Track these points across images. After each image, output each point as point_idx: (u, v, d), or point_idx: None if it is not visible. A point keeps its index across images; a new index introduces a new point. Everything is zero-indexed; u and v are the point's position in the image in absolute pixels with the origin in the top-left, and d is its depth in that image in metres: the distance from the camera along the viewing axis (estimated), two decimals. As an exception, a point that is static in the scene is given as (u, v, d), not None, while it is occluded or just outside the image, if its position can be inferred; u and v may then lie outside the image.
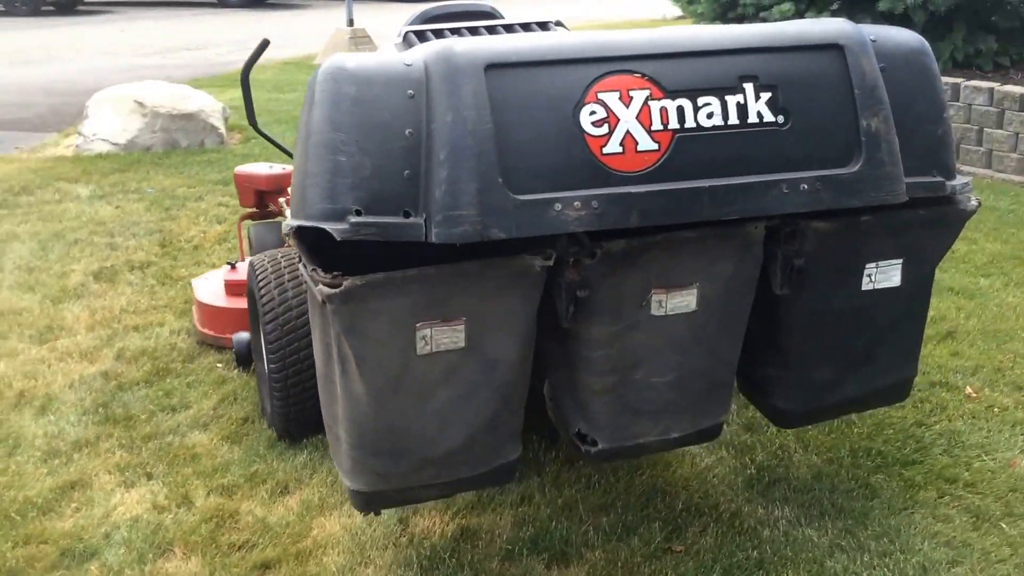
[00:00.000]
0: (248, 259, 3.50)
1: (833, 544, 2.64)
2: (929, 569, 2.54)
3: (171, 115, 7.41)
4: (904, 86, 2.22)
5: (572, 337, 2.26)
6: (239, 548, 2.70)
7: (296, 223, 1.98)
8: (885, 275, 2.40)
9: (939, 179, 2.27)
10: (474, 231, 1.91)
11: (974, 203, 2.39)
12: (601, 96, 2.00)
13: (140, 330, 4.15)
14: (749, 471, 2.99)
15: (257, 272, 3.20)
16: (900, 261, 2.39)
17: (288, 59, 12.24)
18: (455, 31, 2.97)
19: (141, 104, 7.40)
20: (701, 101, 2.04)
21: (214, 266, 4.71)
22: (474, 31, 2.98)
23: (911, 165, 2.21)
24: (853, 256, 2.35)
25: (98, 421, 3.41)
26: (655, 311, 2.24)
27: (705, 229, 2.15)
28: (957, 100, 6.27)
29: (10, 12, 17.69)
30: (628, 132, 2.00)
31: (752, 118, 2.07)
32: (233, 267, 4.05)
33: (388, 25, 9.74)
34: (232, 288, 3.93)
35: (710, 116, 2.04)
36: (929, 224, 2.38)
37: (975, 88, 6.19)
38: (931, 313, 4.00)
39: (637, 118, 2.00)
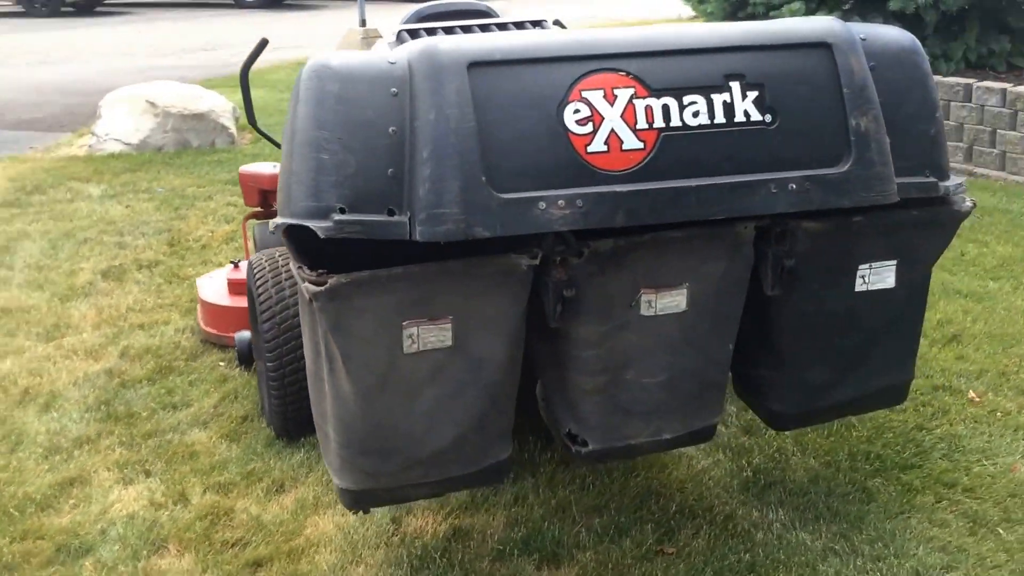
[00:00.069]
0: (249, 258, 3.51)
1: (827, 548, 2.62)
2: (923, 574, 2.51)
3: (182, 115, 7.45)
4: (895, 85, 2.19)
5: (561, 337, 2.25)
6: (232, 545, 2.71)
7: (281, 221, 1.99)
8: (879, 276, 2.37)
9: (932, 179, 2.24)
10: (458, 229, 1.91)
11: (968, 204, 2.36)
12: (585, 94, 1.99)
13: (145, 328, 4.18)
14: (745, 474, 2.97)
15: (255, 271, 3.20)
16: (894, 262, 2.36)
17: (303, 59, 12.23)
18: (448, 30, 2.97)
19: (153, 104, 7.45)
20: (687, 100, 2.02)
21: (220, 265, 4.73)
22: (467, 29, 2.98)
23: (903, 165, 2.18)
24: (845, 257, 2.33)
25: (100, 418, 3.43)
26: (645, 311, 2.22)
27: (693, 229, 2.13)
28: (970, 101, 6.20)
29: (30, 13, 17.84)
30: (613, 131, 1.99)
31: (739, 117, 2.05)
32: (236, 266, 4.06)
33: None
34: (235, 287, 3.95)
35: (696, 115, 2.03)
36: (922, 225, 2.35)
37: (988, 89, 6.11)
38: (937, 316, 3.98)
39: (622, 117, 1.99)
